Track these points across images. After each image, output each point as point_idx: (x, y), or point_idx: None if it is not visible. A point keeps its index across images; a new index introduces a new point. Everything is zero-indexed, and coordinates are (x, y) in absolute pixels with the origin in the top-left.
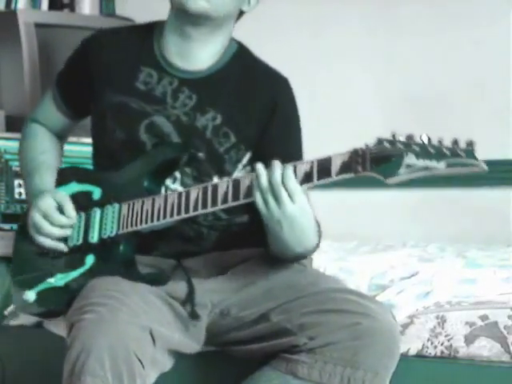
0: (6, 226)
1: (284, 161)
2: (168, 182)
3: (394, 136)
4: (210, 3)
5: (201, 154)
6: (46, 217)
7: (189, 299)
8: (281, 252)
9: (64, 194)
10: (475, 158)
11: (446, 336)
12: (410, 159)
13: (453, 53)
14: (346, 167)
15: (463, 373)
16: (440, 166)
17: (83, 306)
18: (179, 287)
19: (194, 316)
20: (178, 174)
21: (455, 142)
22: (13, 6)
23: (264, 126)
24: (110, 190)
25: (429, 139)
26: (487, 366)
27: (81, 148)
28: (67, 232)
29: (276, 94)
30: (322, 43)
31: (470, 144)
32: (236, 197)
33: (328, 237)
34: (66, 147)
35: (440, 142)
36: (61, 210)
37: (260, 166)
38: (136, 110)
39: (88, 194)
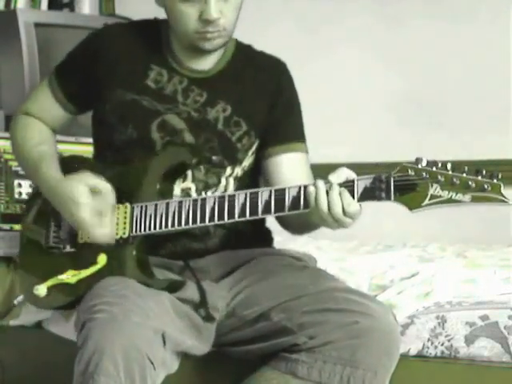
0: (6, 226)
1: (286, 137)
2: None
3: (417, 162)
4: (224, 36)
5: (215, 158)
6: (87, 205)
7: (202, 303)
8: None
9: (91, 176)
10: (501, 194)
11: (446, 336)
12: (434, 190)
13: (453, 52)
14: (369, 193)
15: (463, 373)
16: (465, 200)
17: (95, 305)
18: (189, 291)
19: (209, 319)
20: (189, 172)
21: (479, 172)
22: (12, 5)
23: (270, 109)
24: (120, 187)
25: (453, 167)
26: (487, 367)
27: (79, 148)
28: (110, 218)
29: (278, 78)
30: (321, 43)
31: (495, 176)
32: (254, 212)
33: (328, 237)
34: (65, 147)
35: (464, 171)
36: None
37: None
38: (148, 108)
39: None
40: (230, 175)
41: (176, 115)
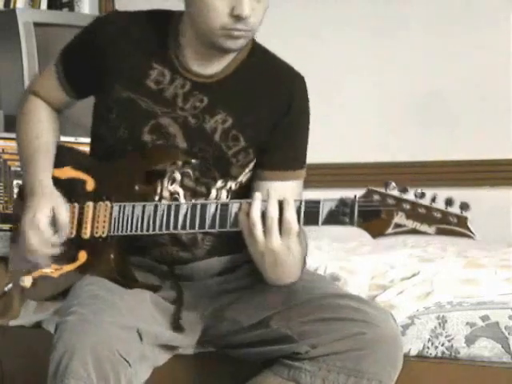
0: (5, 226)
1: (284, 165)
2: (166, 182)
3: (386, 186)
4: (248, 37)
5: (194, 161)
6: (38, 234)
7: (176, 311)
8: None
9: (62, 206)
10: (467, 228)
11: (446, 337)
12: (399, 218)
13: (453, 53)
14: (332, 217)
15: (464, 373)
16: (430, 231)
17: (68, 308)
18: (169, 293)
19: (177, 329)
20: (178, 176)
21: (449, 202)
22: (12, 5)
23: (273, 127)
24: (104, 184)
25: (422, 194)
26: (488, 367)
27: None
28: (55, 251)
29: (293, 96)
30: (322, 43)
31: (464, 207)
32: (223, 225)
33: (328, 236)
34: None
35: (433, 200)
36: (54, 221)
37: (258, 196)
38: (144, 109)
39: (81, 183)
40: (222, 188)
41: (171, 119)
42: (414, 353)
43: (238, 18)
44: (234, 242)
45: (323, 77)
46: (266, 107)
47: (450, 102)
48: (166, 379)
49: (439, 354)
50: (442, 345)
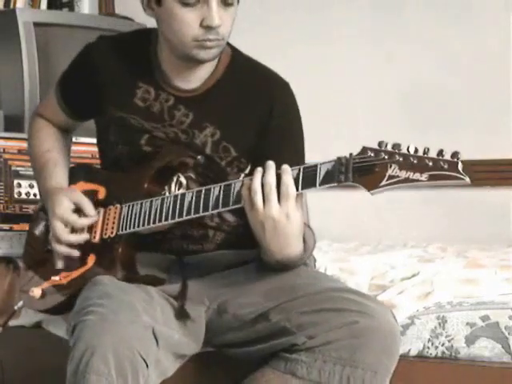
0: (6, 226)
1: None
2: (173, 187)
3: (380, 145)
4: (221, 46)
5: (199, 157)
6: (66, 224)
7: (180, 297)
8: (263, 256)
9: (78, 192)
10: (458, 171)
11: (446, 337)
12: (392, 170)
13: (453, 53)
14: (329, 177)
15: (464, 374)
16: (422, 179)
17: (85, 308)
18: (174, 286)
19: (182, 315)
20: (183, 180)
21: (440, 153)
22: (12, 5)
23: (261, 132)
24: (113, 190)
25: (415, 149)
26: (488, 367)
27: (79, 148)
28: (87, 236)
29: (273, 99)
30: (323, 46)
31: (455, 155)
32: (226, 203)
33: (328, 237)
34: None
35: (425, 152)
36: (78, 209)
37: (259, 169)
38: (135, 126)
39: (93, 193)
40: None
41: (164, 134)
42: (413, 353)
43: (208, 28)
44: (244, 239)
45: (323, 78)
46: (251, 114)
47: (449, 102)
48: (166, 378)
49: (439, 354)
50: (442, 345)
